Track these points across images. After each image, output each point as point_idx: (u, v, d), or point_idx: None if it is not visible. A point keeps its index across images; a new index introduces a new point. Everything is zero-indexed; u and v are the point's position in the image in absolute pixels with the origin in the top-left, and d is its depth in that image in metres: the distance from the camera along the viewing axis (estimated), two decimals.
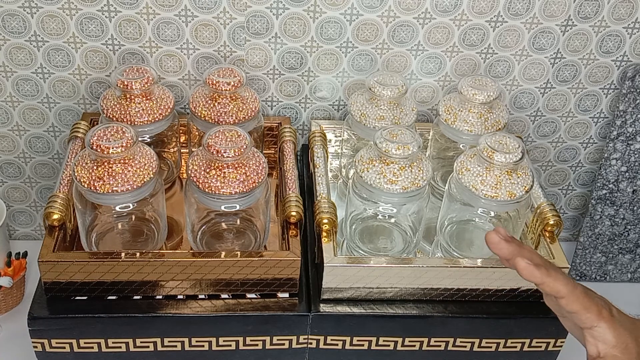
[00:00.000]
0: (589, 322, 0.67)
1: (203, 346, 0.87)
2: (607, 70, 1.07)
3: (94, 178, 0.81)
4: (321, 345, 0.88)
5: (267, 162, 0.86)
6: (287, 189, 0.90)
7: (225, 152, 0.81)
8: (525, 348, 0.90)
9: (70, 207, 0.86)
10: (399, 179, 0.85)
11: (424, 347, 0.89)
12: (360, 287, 0.86)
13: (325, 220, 0.87)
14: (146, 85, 0.92)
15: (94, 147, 0.80)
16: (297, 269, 0.84)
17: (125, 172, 0.81)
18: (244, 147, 0.82)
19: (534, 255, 0.69)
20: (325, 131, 1.05)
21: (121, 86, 0.91)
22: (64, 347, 0.85)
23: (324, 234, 0.87)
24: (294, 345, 0.88)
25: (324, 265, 0.84)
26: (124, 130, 0.82)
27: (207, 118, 0.93)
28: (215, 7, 0.98)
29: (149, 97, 0.93)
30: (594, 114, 1.12)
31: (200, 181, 0.82)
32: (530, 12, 1.00)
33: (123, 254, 0.82)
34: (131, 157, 0.82)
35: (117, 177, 0.81)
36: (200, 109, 0.94)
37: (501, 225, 0.93)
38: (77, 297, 0.84)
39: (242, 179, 0.82)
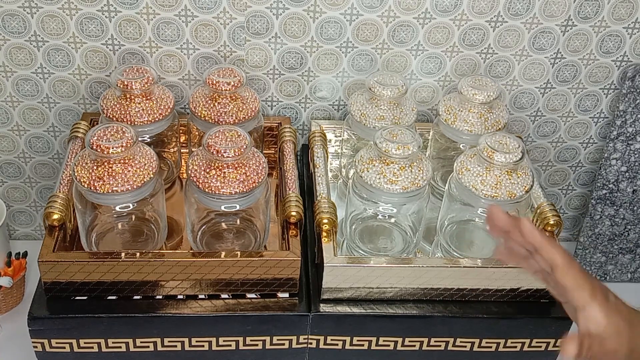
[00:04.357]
0: (581, 301, 0.67)
1: (203, 346, 0.87)
2: (607, 70, 1.07)
3: (94, 178, 0.81)
4: (321, 345, 0.88)
5: (267, 162, 0.86)
6: (287, 189, 0.90)
7: (225, 152, 0.81)
8: (525, 348, 0.90)
9: (70, 207, 0.86)
10: (399, 179, 0.85)
11: (424, 347, 0.89)
12: (360, 287, 0.86)
13: (325, 220, 0.87)
14: (146, 85, 0.92)
15: (94, 147, 0.80)
16: (297, 269, 0.84)
17: (125, 172, 0.81)
18: (244, 147, 0.82)
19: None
20: (325, 131, 1.05)
21: (121, 86, 0.91)
22: (64, 347, 0.85)
23: (324, 234, 0.87)
24: (294, 345, 0.88)
25: (324, 265, 0.84)
26: (124, 130, 0.82)
27: (207, 118, 0.93)
28: (215, 7, 0.98)
29: (149, 97, 0.93)
30: (594, 114, 1.12)
31: (200, 181, 0.82)
32: (530, 12, 1.00)
33: (123, 254, 0.82)
34: (131, 157, 0.82)
35: (117, 177, 0.81)
36: (200, 109, 0.94)
37: None
38: (77, 297, 0.84)
39: (242, 179, 0.82)
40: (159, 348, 0.86)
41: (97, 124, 0.97)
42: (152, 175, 0.83)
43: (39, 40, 0.99)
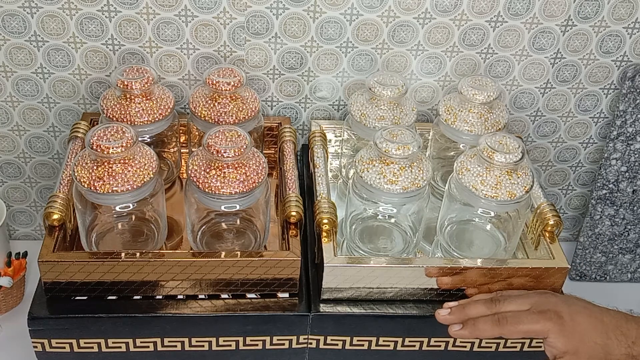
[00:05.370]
0: (540, 334, 0.76)
1: (203, 346, 0.87)
2: (607, 70, 1.07)
3: (94, 178, 0.81)
4: (321, 345, 0.88)
5: (267, 162, 0.86)
6: (287, 189, 0.90)
7: (225, 152, 0.81)
8: (525, 348, 0.90)
9: (70, 207, 0.86)
10: (399, 179, 0.85)
11: (424, 347, 0.89)
12: (360, 287, 0.86)
13: (325, 220, 0.87)
14: (146, 85, 0.92)
15: (94, 147, 0.80)
16: (297, 269, 0.84)
17: (125, 172, 0.81)
18: (244, 147, 0.82)
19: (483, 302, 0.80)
20: (325, 131, 1.05)
21: (121, 86, 0.91)
22: (64, 347, 0.85)
23: (324, 234, 0.87)
24: (294, 345, 0.88)
25: (324, 265, 0.84)
26: (124, 130, 0.82)
27: (207, 118, 0.93)
28: (215, 7, 0.98)
29: (149, 97, 0.93)
30: (594, 114, 1.12)
31: (200, 181, 0.82)
32: (530, 12, 1.00)
33: (123, 254, 0.82)
34: (131, 157, 0.82)
35: (117, 177, 0.81)
36: (200, 109, 0.94)
37: (501, 225, 0.94)
38: (77, 297, 0.84)
39: (242, 179, 0.82)
40: (159, 348, 0.86)
41: (97, 124, 0.97)
42: (152, 175, 0.83)
43: (39, 40, 0.99)
